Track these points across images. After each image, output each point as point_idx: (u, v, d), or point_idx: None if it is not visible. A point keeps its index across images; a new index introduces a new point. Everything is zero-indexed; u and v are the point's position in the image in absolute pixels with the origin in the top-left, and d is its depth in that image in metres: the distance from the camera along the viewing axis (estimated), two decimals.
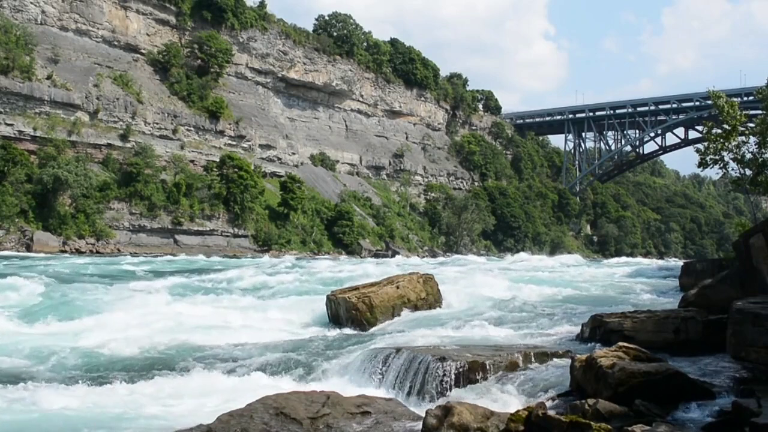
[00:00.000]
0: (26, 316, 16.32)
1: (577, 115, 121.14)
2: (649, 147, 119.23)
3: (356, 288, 17.06)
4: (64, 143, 59.01)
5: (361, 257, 70.72)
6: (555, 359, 9.75)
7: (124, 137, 64.90)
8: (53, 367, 11.47)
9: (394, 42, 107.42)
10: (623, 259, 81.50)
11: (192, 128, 72.72)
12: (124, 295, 20.22)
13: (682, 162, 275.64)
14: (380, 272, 28.19)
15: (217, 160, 71.48)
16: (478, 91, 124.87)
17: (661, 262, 63.64)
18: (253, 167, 74.31)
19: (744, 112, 23.15)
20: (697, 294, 14.06)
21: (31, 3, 64.00)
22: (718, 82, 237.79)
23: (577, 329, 13.22)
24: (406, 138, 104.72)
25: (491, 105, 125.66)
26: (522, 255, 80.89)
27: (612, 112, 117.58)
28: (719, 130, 22.68)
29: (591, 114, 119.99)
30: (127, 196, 61.46)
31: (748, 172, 22.49)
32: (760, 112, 39.29)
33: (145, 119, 67.82)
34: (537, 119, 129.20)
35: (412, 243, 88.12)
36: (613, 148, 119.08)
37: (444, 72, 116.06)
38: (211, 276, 29.23)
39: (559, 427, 6.17)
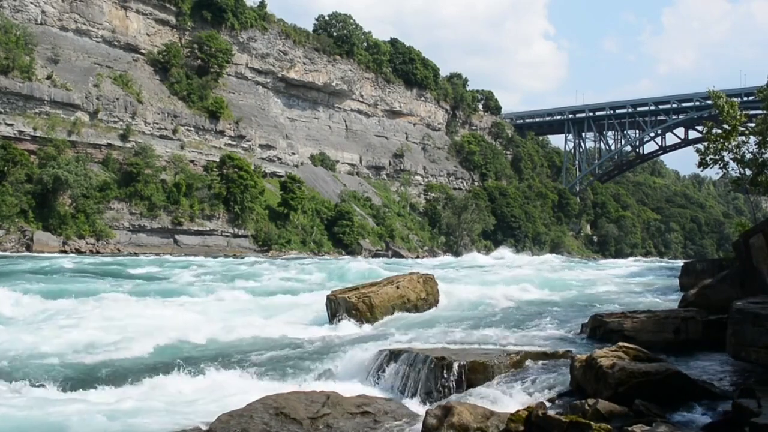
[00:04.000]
0: None
1: (577, 115, 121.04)
2: (649, 147, 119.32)
3: (356, 288, 17.07)
4: (64, 143, 58.92)
5: (362, 257, 70.70)
6: (555, 359, 9.75)
7: (124, 137, 64.85)
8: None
9: (394, 42, 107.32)
10: (610, 260, 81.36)
11: (192, 128, 72.67)
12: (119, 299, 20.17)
13: (682, 162, 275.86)
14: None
15: (217, 160, 71.43)
16: (478, 91, 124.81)
17: (646, 264, 63.04)
18: (253, 167, 74.26)
19: (744, 112, 23.12)
20: (697, 294, 14.05)
21: (31, 3, 63.95)
22: (718, 82, 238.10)
23: (577, 329, 13.24)
24: (406, 138, 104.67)
25: (491, 105, 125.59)
26: (501, 251, 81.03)
27: (612, 112, 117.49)
28: (719, 130, 22.65)
29: (591, 114, 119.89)
30: (127, 196, 61.39)
31: (748, 172, 22.48)
32: (760, 112, 39.26)
33: (145, 119, 67.78)
34: (537, 119, 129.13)
35: (412, 243, 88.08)
36: (613, 148, 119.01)
37: (444, 72, 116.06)
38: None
39: (559, 427, 6.17)
